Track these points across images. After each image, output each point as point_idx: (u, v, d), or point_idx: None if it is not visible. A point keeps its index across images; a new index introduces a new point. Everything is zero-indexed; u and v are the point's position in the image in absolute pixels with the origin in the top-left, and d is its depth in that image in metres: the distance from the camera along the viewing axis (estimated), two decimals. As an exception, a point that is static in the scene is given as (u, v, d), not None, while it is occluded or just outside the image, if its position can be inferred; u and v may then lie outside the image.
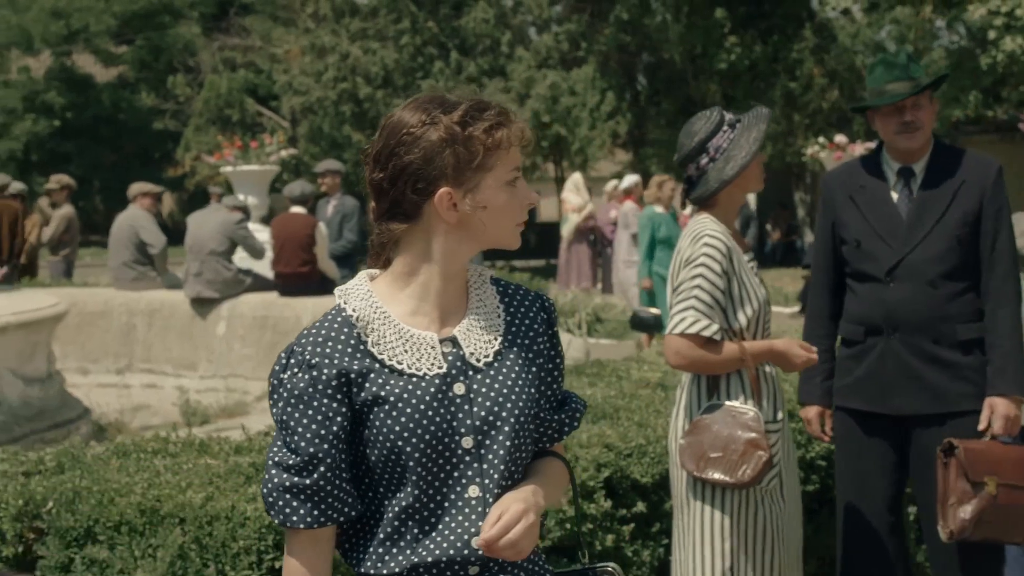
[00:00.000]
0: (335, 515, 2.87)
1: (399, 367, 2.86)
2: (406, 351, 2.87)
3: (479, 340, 2.91)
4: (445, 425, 2.84)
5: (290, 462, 2.84)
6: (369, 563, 2.87)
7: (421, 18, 32.84)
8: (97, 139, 51.12)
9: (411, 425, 2.84)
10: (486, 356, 2.90)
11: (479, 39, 33.33)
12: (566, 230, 22.06)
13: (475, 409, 2.86)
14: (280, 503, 2.86)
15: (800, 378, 5.40)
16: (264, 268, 14.64)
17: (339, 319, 2.89)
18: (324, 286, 13.40)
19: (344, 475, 2.86)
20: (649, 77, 36.20)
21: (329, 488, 2.86)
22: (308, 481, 2.84)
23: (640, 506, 5.24)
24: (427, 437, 2.83)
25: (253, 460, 4.99)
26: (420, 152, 2.80)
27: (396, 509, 2.87)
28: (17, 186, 17.29)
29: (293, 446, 2.85)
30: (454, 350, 2.89)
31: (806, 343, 4.94)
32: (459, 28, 33.30)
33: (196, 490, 4.60)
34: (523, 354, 2.94)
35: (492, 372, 2.90)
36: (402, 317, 2.91)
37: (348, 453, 2.88)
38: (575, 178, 23.22)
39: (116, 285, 14.55)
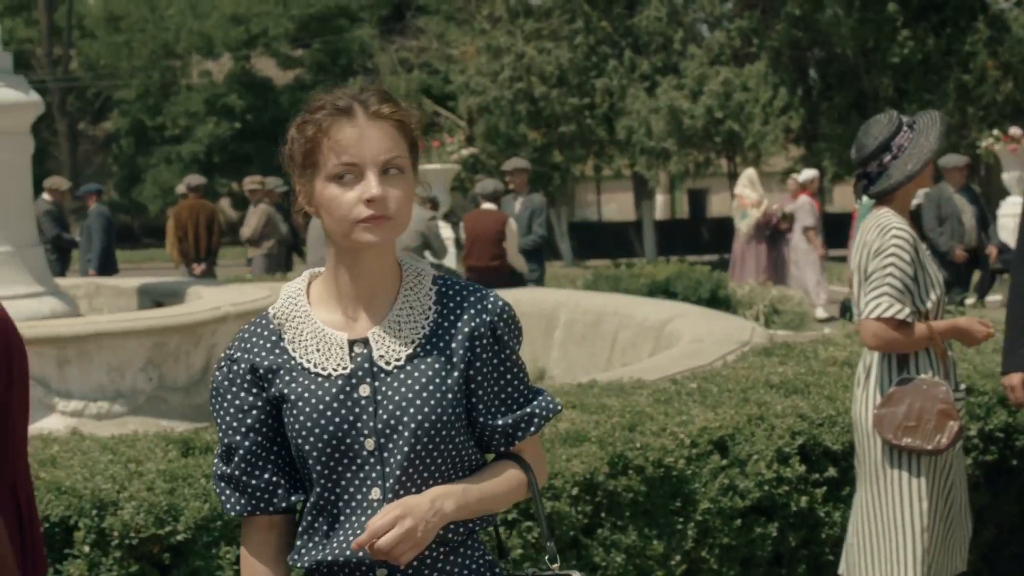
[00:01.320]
0: (261, 504, 2.97)
1: (307, 365, 2.90)
2: (317, 350, 2.91)
3: (392, 342, 2.89)
4: (347, 426, 2.86)
5: (218, 451, 2.99)
6: (294, 555, 2.95)
7: (595, 17, 33.33)
8: (276, 140, 51.61)
9: (309, 424, 2.87)
10: (397, 359, 2.88)
11: (652, 37, 33.72)
12: (744, 225, 22.36)
13: (379, 412, 2.85)
14: (217, 490, 3.01)
15: (1004, 350, 5.81)
16: (449, 262, 15.24)
17: (265, 317, 2.99)
18: (513, 280, 13.98)
19: (267, 466, 2.95)
20: (821, 72, 36.28)
21: (246, 478, 2.96)
22: (229, 469, 2.97)
23: (832, 471, 5.73)
24: (325, 436, 2.86)
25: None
26: (283, 151, 2.98)
27: (310, 504, 2.93)
28: (197, 179, 18.28)
29: (219, 435, 2.99)
30: (364, 351, 2.90)
31: (985, 320, 5.44)
32: (632, 27, 33.75)
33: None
34: (443, 358, 2.90)
35: (401, 375, 2.87)
36: (322, 316, 2.94)
37: (275, 445, 2.94)
38: (749, 173, 23.48)
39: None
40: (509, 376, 2.96)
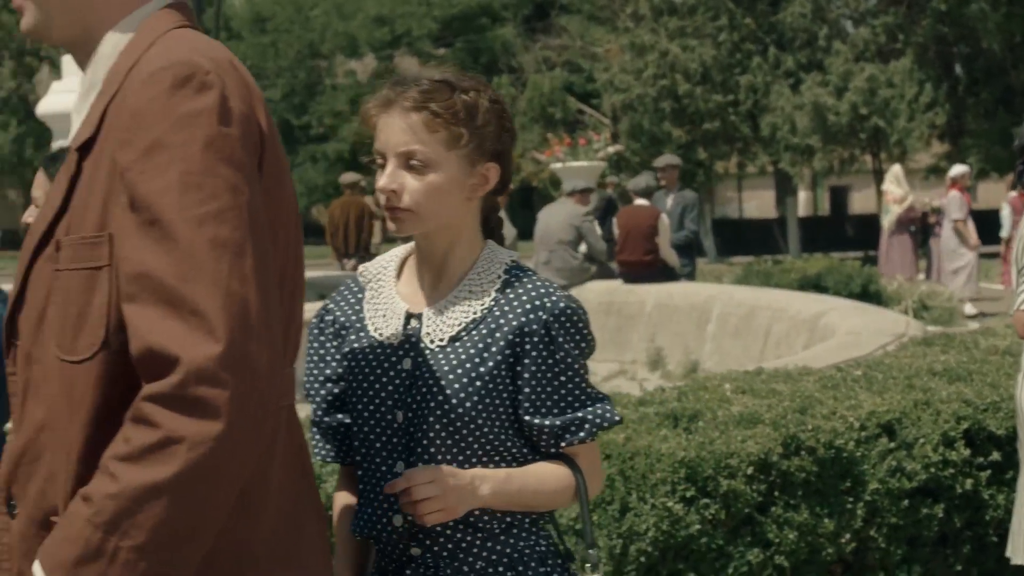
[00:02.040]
0: (342, 454, 3.06)
1: (371, 328, 2.97)
2: (383, 315, 2.97)
3: (442, 321, 2.91)
4: (384, 394, 2.90)
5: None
6: (352, 520, 3.00)
7: (739, 14, 33.42)
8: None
9: (354, 384, 2.95)
10: (440, 339, 2.89)
11: (796, 34, 33.72)
12: (887, 221, 22.36)
13: (416, 386, 2.87)
14: (310, 435, 3.02)
15: None
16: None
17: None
18: (666, 274, 14.22)
19: (344, 418, 3.02)
20: (967, 67, 36.00)
21: (324, 427, 3.05)
22: (315, 416, 3.06)
23: (996, 455, 5.90)
24: (365, 399, 2.93)
25: (657, 410, 5.82)
26: None
27: (360, 471, 2.99)
28: (351, 177, 18.69)
29: (304, 381, 3.05)
30: (416, 326, 2.93)
31: None
32: (776, 23, 33.78)
33: (616, 432, 5.45)
34: (482, 345, 2.88)
35: (440, 356, 2.88)
36: (401, 285, 3.02)
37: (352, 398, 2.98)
38: (895, 170, 23.45)
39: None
40: (563, 378, 2.89)
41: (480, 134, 2.88)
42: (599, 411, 2.93)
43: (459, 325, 2.89)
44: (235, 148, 2.21)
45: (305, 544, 2.42)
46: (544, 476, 2.92)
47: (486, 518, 2.89)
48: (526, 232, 17.72)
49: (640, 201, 14.73)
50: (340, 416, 3.03)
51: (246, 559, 2.32)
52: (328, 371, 3.03)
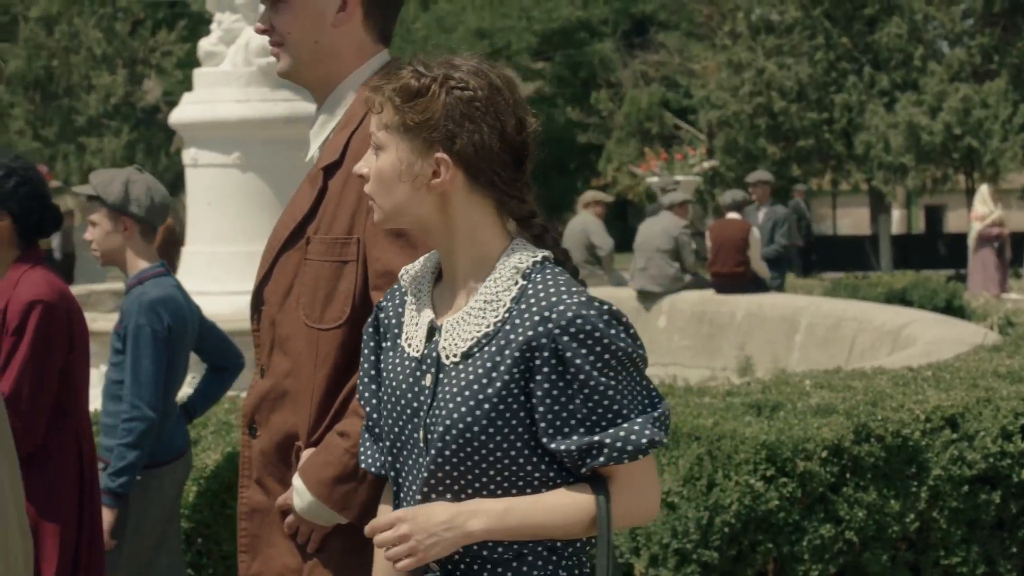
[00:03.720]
0: (380, 463, 2.90)
1: (402, 337, 2.83)
2: (415, 324, 2.82)
3: (458, 335, 2.73)
4: (410, 411, 2.76)
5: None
6: None
7: (835, 34, 33.76)
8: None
9: (384, 397, 2.83)
10: (455, 354, 2.72)
11: (892, 53, 34.01)
12: (971, 238, 22.73)
13: (433, 404, 2.71)
14: (360, 441, 2.96)
15: None
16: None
17: None
18: (756, 286, 14.80)
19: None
20: (1063, 89, 36.14)
21: (378, 431, 2.89)
22: (366, 421, 2.92)
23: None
24: (395, 414, 2.79)
25: (742, 400, 6.45)
26: None
27: (395, 487, 2.86)
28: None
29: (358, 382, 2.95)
30: (437, 339, 2.77)
31: None
32: (872, 43, 34.08)
33: (705, 417, 6.09)
34: (491, 363, 2.68)
35: (453, 373, 2.71)
36: (438, 289, 2.86)
37: None
38: (983, 190, 23.83)
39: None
40: (578, 398, 2.64)
41: (430, 122, 2.71)
42: (622, 434, 2.65)
43: (471, 340, 2.71)
44: None
45: None
46: (555, 506, 2.67)
47: (491, 545, 2.70)
48: (621, 244, 18.37)
49: (731, 215, 15.33)
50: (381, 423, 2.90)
51: None
52: (375, 372, 2.90)
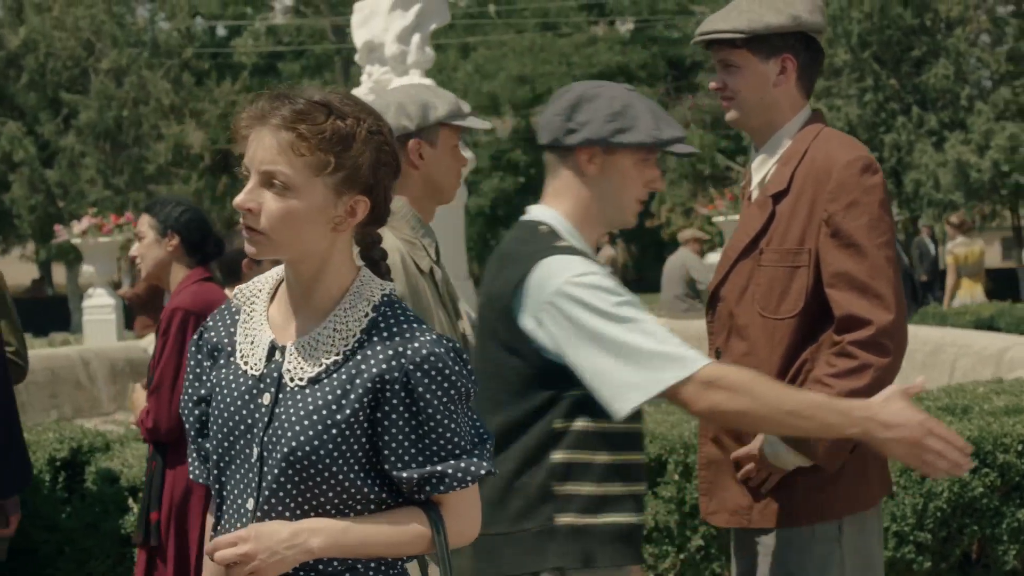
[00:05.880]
0: (205, 476, 2.94)
1: (236, 355, 2.84)
2: (251, 342, 2.83)
3: (303, 360, 2.76)
4: (243, 427, 2.78)
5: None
6: None
7: (884, 76, 34.58)
8: (557, 194, 53.97)
9: (215, 413, 2.83)
10: (300, 378, 2.75)
11: (939, 94, 34.78)
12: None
13: (273, 424, 2.73)
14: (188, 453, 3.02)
15: None
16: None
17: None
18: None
19: (205, 443, 2.91)
20: (1104, 126, 36.82)
21: (196, 447, 2.94)
22: (188, 435, 2.97)
23: None
24: (224, 430, 2.80)
25: (931, 404, 7.28)
26: None
27: (218, 500, 2.88)
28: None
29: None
30: (279, 360, 2.79)
31: None
32: (920, 84, 34.90)
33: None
34: (340, 392, 2.73)
35: (298, 396, 2.74)
36: (274, 310, 2.87)
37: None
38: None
39: (668, 315, 17.16)
40: (424, 429, 2.73)
41: (352, 164, 2.72)
42: (462, 465, 2.76)
43: (320, 367, 2.75)
44: (887, 204, 3.90)
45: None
46: (394, 525, 2.76)
47: (326, 559, 2.75)
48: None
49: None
50: (204, 440, 2.93)
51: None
52: (203, 391, 2.90)
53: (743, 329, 4.06)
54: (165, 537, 5.47)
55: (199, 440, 2.92)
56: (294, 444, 2.69)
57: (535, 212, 3.82)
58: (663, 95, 46.01)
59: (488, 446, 2.81)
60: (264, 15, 56.43)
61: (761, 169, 4.17)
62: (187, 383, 2.94)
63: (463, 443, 2.76)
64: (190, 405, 2.92)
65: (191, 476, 2.96)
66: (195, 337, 2.94)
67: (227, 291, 6.08)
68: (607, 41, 55.09)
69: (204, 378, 2.90)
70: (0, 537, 5.22)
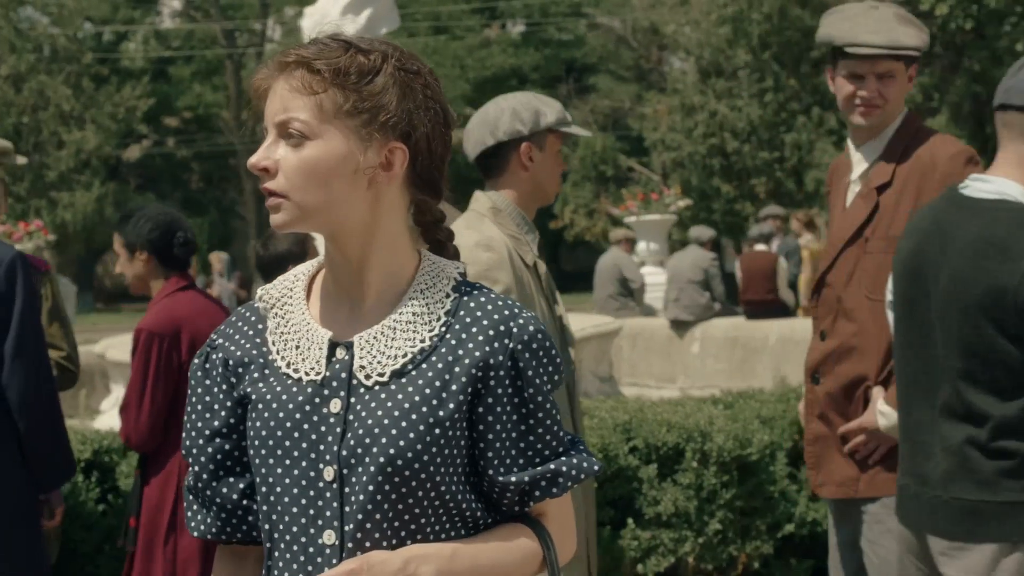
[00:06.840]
0: (228, 528, 2.45)
1: (280, 363, 2.38)
2: (297, 346, 2.38)
3: (380, 352, 2.32)
4: (305, 444, 2.32)
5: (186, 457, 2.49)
6: None
7: (784, 76, 35.15)
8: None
9: (264, 433, 2.35)
10: (380, 374, 2.31)
11: (838, 94, 35.30)
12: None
13: (347, 435, 2.29)
14: (185, 504, 2.50)
15: None
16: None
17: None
18: (784, 311, 15.99)
19: (236, 482, 2.43)
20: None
21: (211, 493, 2.44)
22: (192, 480, 2.46)
23: None
24: (279, 452, 2.33)
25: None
26: None
27: (270, 545, 2.38)
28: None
29: (183, 438, 2.48)
30: (345, 357, 2.34)
31: None
32: (819, 84, 35.43)
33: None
34: (438, 383, 2.30)
35: (382, 395, 2.30)
36: (317, 307, 2.43)
37: (246, 458, 2.41)
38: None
39: (600, 313, 17.40)
40: (532, 422, 2.35)
41: (376, 103, 2.30)
42: (574, 462, 2.38)
43: (405, 357, 2.32)
44: None
45: None
46: (503, 546, 2.36)
47: None
48: (581, 280, 19.34)
49: (759, 247, 16.53)
50: (231, 480, 2.43)
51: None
52: (216, 423, 2.42)
53: (851, 312, 4.33)
54: (141, 543, 5.57)
55: (212, 485, 2.43)
56: (391, 452, 2.25)
57: (1000, 186, 3.59)
58: (564, 97, 46.30)
59: (583, 444, 2.43)
60: (151, 20, 56.03)
61: (860, 165, 4.45)
62: (191, 418, 2.45)
63: (567, 437, 2.41)
64: (200, 443, 2.43)
65: (199, 534, 2.46)
66: (198, 361, 2.47)
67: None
68: (500, 44, 55.38)
69: (217, 407, 2.42)
70: (47, 529, 5.28)
